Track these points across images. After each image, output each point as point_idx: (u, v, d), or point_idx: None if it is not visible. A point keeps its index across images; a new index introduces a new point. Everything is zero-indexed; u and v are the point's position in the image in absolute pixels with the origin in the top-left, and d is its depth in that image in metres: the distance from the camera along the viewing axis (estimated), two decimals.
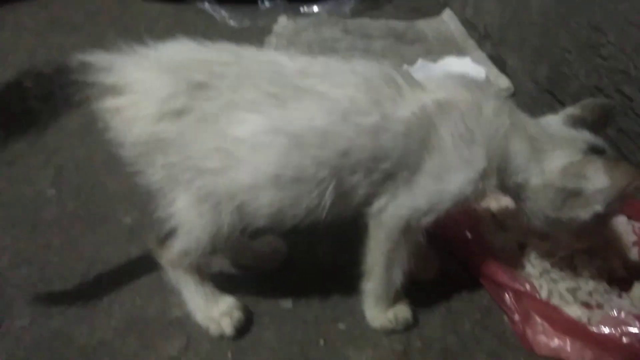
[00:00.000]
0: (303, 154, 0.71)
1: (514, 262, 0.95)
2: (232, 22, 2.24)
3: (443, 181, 0.74)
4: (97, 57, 0.72)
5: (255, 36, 2.11)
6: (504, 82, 1.66)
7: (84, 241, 1.04)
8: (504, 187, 0.80)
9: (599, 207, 0.75)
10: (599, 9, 1.24)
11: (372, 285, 0.84)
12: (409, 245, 0.79)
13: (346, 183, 0.74)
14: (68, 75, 0.71)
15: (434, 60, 1.71)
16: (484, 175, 0.74)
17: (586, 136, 0.80)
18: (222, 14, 2.30)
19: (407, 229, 0.77)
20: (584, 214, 0.76)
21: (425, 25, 2.20)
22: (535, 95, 1.55)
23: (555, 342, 0.82)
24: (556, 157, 0.77)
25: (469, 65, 1.44)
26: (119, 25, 2.20)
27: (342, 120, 0.71)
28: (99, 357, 0.83)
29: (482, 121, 0.75)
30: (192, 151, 0.71)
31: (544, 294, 0.89)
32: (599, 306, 0.88)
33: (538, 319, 0.84)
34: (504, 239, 0.98)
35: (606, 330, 0.77)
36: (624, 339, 0.76)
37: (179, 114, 0.70)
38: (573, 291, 0.89)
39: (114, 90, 0.71)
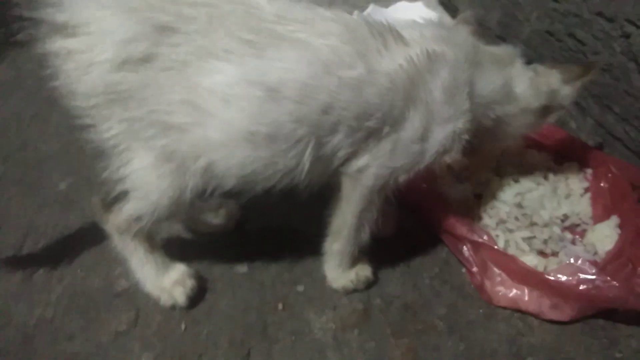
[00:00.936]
0: (280, 109, 0.64)
1: (471, 213, 0.94)
2: None
3: (428, 138, 0.71)
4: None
5: None
6: None
7: (17, 208, 0.95)
8: (479, 130, 0.79)
9: (567, 105, 0.86)
10: None
11: (338, 246, 0.80)
12: (380, 204, 0.76)
13: (326, 143, 0.68)
14: (9, 9, 0.62)
15: (386, 5, 1.64)
16: (466, 126, 0.73)
17: (513, 49, 0.86)
18: None
19: (384, 188, 0.74)
20: (554, 117, 0.86)
21: None
22: (487, 41, 1.52)
23: (513, 292, 0.82)
24: (518, 79, 0.81)
25: (421, 11, 1.38)
26: None
27: (323, 73, 0.64)
28: (40, 336, 0.77)
29: (465, 70, 0.72)
30: (156, 104, 0.63)
31: (500, 244, 0.88)
32: (554, 254, 0.89)
33: (496, 270, 0.84)
34: (461, 191, 0.97)
35: (563, 278, 0.78)
36: (581, 287, 0.76)
37: (141, 61, 0.61)
38: (529, 240, 0.90)
39: (64, 30, 0.62)
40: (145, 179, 0.67)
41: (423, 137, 0.71)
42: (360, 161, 0.71)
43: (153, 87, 0.62)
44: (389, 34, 0.69)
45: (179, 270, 0.80)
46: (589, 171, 1.02)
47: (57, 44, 0.62)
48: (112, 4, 0.62)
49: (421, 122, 0.70)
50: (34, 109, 1.22)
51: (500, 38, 1.46)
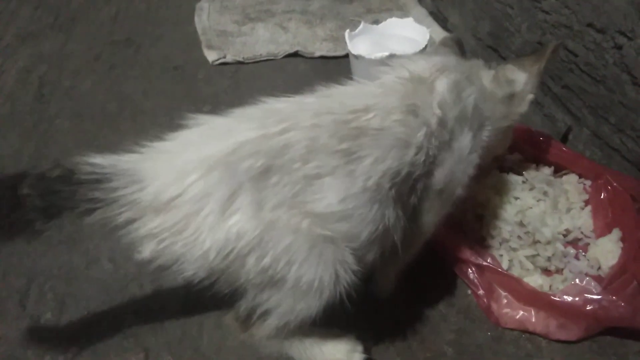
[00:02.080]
0: (385, 199, 0.64)
1: (473, 233, 0.94)
2: None
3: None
4: (112, 161, 0.59)
5: (185, 2, 1.98)
6: None
7: (20, 252, 0.95)
8: None
9: (532, 95, 0.88)
10: None
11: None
12: None
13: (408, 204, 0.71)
14: (76, 185, 0.56)
15: (376, 22, 1.65)
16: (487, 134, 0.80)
17: (479, 61, 0.89)
18: None
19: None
20: (524, 107, 0.88)
21: None
22: (478, 52, 1.53)
23: (520, 313, 0.82)
24: (485, 80, 0.85)
25: (412, 26, 1.39)
26: (31, 2, 1.99)
27: (402, 148, 0.65)
28: None
29: (474, 87, 0.77)
30: (281, 243, 0.59)
31: (505, 264, 0.89)
32: (559, 271, 0.90)
33: (502, 292, 0.84)
34: (462, 210, 0.97)
35: (569, 298, 0.78)
36: (587, 307, 0.77)
37: (249, 211, 0.57)
38: (532, 258, 0.90)
39: (154, 207, 0.57)
40: (283, 304, 0.64)
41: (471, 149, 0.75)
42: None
43: (270, 230, 0.58)
44: (418, 82, 0.71)
45: (343, 337, 0.77)
46: (588, 183, 1.03)
47: (150, 225, 0.58)
48: (196, 167, 0.57)
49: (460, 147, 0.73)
50: (32, 145, 1.22)
51: (491, 49, 1.47)
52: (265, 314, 0.66)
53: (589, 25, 1.08)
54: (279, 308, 0.64)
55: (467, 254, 0.86)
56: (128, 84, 1.46)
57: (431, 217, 0.76)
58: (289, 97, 0.68)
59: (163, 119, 1.31)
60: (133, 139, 1.21)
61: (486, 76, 0.86)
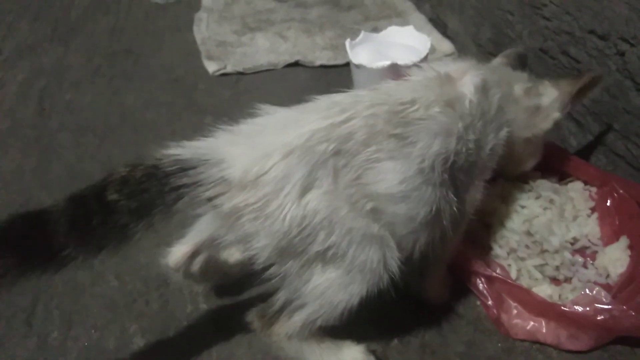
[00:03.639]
0: (435, 182, 0.69)
1: (482, 243, 0.94)
2: None
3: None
4: (192, 148, 0.62)
5: (184, 12, 1.98)
6: (446, 46, 1.63)
7: None
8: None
9: (557, 114, 0.93)
10: None
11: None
12: None
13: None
14: (164, 179, 0.58)
15: (376, 29, 1.65)
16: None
17: (525, 74, 0.95)
18: None
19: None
20: (546, 124, 0.93)
21: None
22: (479, 58, 1.53)
23: (530, 324, 0.82)
24: (519, 86, 0.90)
25: (412, 35, 1.39)
26: (29, 14, 1.99)
27: (446, 137, 0.70)
28: None
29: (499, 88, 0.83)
30: (344, 225, 0.64)
31: (513, 274, 0.88)
32: (567, 280, 0.90)
33: (512, 303, 0.84)
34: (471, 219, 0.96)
35: (579, 309, 0.78)
36: (598, 317, 0.76)
37: (323, 191, 0.62)
38: (541, 267, 0.90)
39: (240, 185, 0.61)
40: (328, 290, 0.67)
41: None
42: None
43: (338, 209, 0.63)
44: (449, 81, 0.76)
45: (354, 349, 0.78)
46: (594, 190, 1.03)
47: (236, 200, 0.61)
48: (277, 149, 0.61)
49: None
50: (34, 160, 1.21)
51: (492, 55, 1.46)
52: (300, 305, 0.69)
53: (591, 32, 1.08)
54: (321, 295, 0.67)
55: (476, 265, 0.86)
56: (129, 96, 1.46)
57: (469, 202, 0.81)
58: (345, 91, 0.72)
59: (165, 131, 1.31)
60: (135, 152, 1.21)
61: (521, 86, 0.90)
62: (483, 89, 0.77)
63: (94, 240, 0.57)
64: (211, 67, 1.57)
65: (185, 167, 0.59)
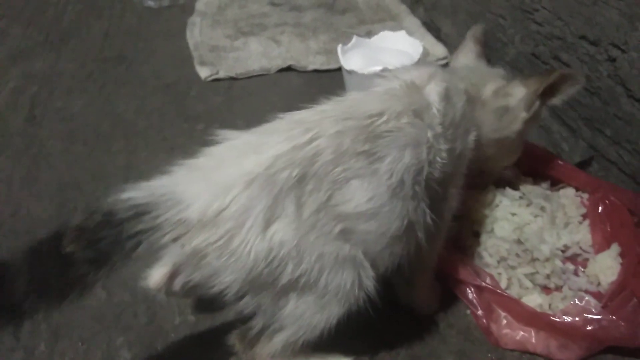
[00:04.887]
0: (407, 194, 0.68)
1: (471, 251, 0.93)
2: (150, 3, 2.08)
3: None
4: (147, 189, 0.59)
5: (177, 16, 1.97)
6: (440, 50, 1.63)
7: None
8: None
9: (524, 114, 0.88)
10: None
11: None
12: None
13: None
14: (120, 226, 0.56)
15: (370, 33, 1.64)
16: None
17: (501, 70, 0.94)
18: None
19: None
20: (516, 125, 0.89)
21: None
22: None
23: (520, 334, 0.81)
24: (488, 88, 0.88)
25: (405, 39, 1.38)
26: (22, 20, 1.99)
27: (416, 147, 0.68)
28: None
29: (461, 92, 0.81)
30: (316, 250, 0.62)
31: (503, 283, 0.88)
32: (558, 288, 0.89)
33: (501, 312, 0.83)
34: (459, 226, 0.96)
35: (568, 319, 0.77)
36: (587, 327, 0.76)
37: (289, 219, 0.60)
38: (531, 276, 0.89)
39: (200, 224, 0.58)
40: (305, 314, 0.66)
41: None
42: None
43: (306, 237, 0.61)
44: (414, 90, 0.74)
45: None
46: (585, 196, 1.02)
47: (196, 241, 0.59)
48: (237, 181, 0.59)
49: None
50: (23, 169, 1.21)
51: (483, 56, 1.46)
52: (279, 328, 0.68)
53: (582, 37, 1.07)
54: (299, 319, 0.66)
55: (465, 274, 0.85)
56: (120, 103, 1.45)
57: (446, 212, 0.80)
58: (309, 107, 0.70)
59: (156, 139, 1.30)
60: (126, 160, 1.21)
61: (491, 86, 0.88)
62: (447, 97, 0.75)
63: (54, 293, 0.57)
64: (203, 72, 1.56)
65: (140, 212, 0.57)
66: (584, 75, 0.88)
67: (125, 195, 0.58)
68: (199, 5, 2.03)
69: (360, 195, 0.64)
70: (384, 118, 0.67)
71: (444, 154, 0.72)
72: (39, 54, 1.73)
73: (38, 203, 1.10)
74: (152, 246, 0.58)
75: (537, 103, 0.88)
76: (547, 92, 0.87)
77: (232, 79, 1.56)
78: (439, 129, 0.72)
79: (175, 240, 0.59)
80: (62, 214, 1.06)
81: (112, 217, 0.56)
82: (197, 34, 1.81)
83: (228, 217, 0.58)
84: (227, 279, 0.61)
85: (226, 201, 0.58)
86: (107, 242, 0.56)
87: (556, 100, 0.89)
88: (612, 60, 1.00)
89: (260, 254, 0.59)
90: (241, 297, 0.64)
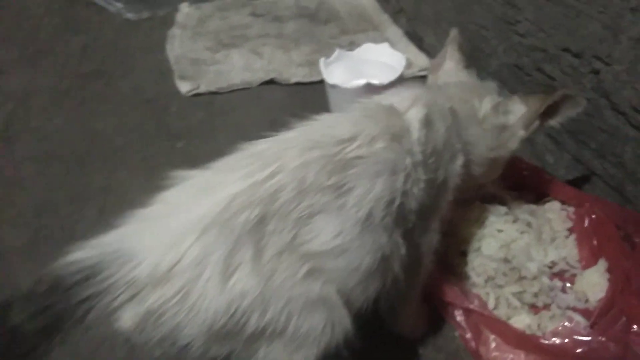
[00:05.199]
0: (378, 226, 0.63)
1: (458, 271, 0.92)
2: (129, 15, 2.05)
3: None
4: (96, 248, 0.54)
5: (157, 29, 1.94)
6: (423, 60, 1.62)
7: None
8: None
9: (522, 132, 0.85)
10: None
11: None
12: None
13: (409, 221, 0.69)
14: (68, 291, 0.52)
15: (352, 45, 1.63)
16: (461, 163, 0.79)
17: (492, 84, 0.90)
18: (116, 5, 2.10)
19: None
20: (513, 143, 0.86)
21: (336, 0, 2.11)
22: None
23: (509, 357, 0.80)
24: (485, 104, 0.83)
25: (388, 52, 1.37)
26: None
27: (391, 174, 0.64)
28: None
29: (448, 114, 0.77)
30: (283, 295, 0.57)
31: (491, 303, 0.86)
32: (546, 307, 0.88)
33: (490, 335, 0.82)
34: (446, 245, 0.94)
35: (557, 341, 0.76)
36: (577, 349, 0.74)
37: (251, 262, 0.55)
38: (519, 295, 0.88)
39: (153, 281, 0.54)
40: (279, 357, 0.62)
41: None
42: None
43: (270, 283, 0.56)
44: (394, 114, 0.70)
45: None
46: (571, 209, 1.01)
47: (150, 301, 0.54)
48: (190, 230, 0.54)
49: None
50: None
51: (469, 68, 1.45)
52: None
53: (565, 49, 1.06)
54: None
55: (453, 296, 0.83)
56: (98, 121, 1.42)
57: (425, 245, 0.76)
58: (271, 135, 0.65)
59: (135, 158, 1.27)
60: (104, 181, 1.17)
61: (489, 101, 0.84)
62: (428, 124, 0.71)
63: None
64: (184, 87, 1.54)
65: (89, 275, 0.52)
66: (585, 99, 0.84)
67: (72, 257, 0.54)
68: (179, 17, 2.01)
69: (326, 231, 0.59)
70: (356, 143, 0.62)
71: (422, 185, 0.68)
72: (14, 71, 1.69)
73: (12, 230, 1.06)
74: (106, 309, 0.53)
75: (537, 122, 0.85)
76: (546, 112, 0.84)
77: (213, 93, 1.53)
78: (419, 157, 0.68)
79: (129, 300, 0.54)
80: (38, 241, 1.03)
81: (60, 283, 0.52)
82: (177, 46, 1.78)
83: (182, 270, 0.54)
84: (189, 335, 0.56)
85: (179, 253, 0.54)
86: (57, 310, 0.51)
87: (554, 121, 0.86)
88: (596, 72, 0.99)
89: (220, 308, 0.54)
90: (209, 348, 0.59)
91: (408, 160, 0.66)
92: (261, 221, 0.56)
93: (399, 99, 0.74)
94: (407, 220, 0.68)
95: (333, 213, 0.59)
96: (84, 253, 0.54)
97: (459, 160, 0.77)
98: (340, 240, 0.59)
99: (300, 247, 0.58)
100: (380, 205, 0.62)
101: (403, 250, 0.67)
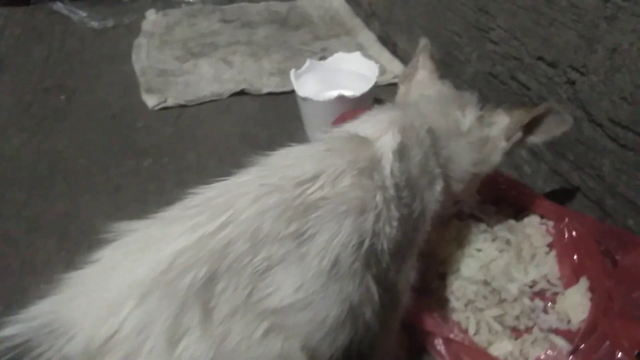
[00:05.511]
0: (351, 275, 0.57)
1: (438, 295, 0.88)
2: (93, 23, 1.97)
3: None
4: (27, 322, 0.49)
5: (123, 38, 1.87)
6: (396, 67, 1.58)
7: None
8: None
9: (504, 144, 0.81)
10: None
11: None
12: None
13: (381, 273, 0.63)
14: None
15: (324, 51, 1.59)
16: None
17: (470, 95, 0.84)
18: (80, 14, 2.03)
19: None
20: (496, 157, 0.82)
21: (307, 4, 2.07)
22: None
23: None
24: (468, 116, 0.79)
25: (360, 61, 1.33)
26: None
27: (359, 216, 0.58)
28: None
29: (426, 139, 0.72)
30: (239, 354, 0.52)
31: (471, 328, 0.83)
32: (528, 330, 0.85)
33: None
34: (425, 268, 0.91)
35: None
36: None
37: (200, 327, 0.50)
38: (500, 318, 0.85)
39: (91, 353, 0.48)
40: None
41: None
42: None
43: (224, 348, 0.51)
44: (365, 145, 0.65)
45: None
46: (551, 223, 0.99)
47: None
48: (129, 295, 0.49)
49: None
50: None
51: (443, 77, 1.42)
52: None
53: (540, 58, 1.04)
54: None
55: (432, 325, 0.80)
56: (61, 139, 1.35)
57: (402, 283, 0.71)
58: (223, 180, 0.60)
59: (99, 179, 1.21)
60: (65, 206, 1.11)
61: (472, 113, 0.80)
62: (402, 153, 0.66)
63: None
64: (151, 101, 1.47)
65: (21, 353, 0.47)
66: (571, 117, 0.80)
67: (3, 333, 0.48)
68: (146, 25, 1.94)
69: (286, 285, 0.53)
70: (319, 183, 0.57)
71: (395, 223, 0.63)
72: None
73: None
74: None
75: (519, 134, 0.81)
76: (530, 127, 0.81)
77: (181, 106, 1.48)
78: (391, 192, 0.62)
79: None
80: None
81: None
82: (143, 57, 1.72)
83: (121, 341, 0.48)
84: None
85: (117, 322, 0.48)
86: None
87: (537, 139, 0.82)
88: (572, 83, 0.97)
89: None
90: None
91: (379, 197, 0.60)
92: (210, 280, 0.50)
93: (370, 124, 0.69)
94: (379, 261, 0.63)
95: (293, 264, 0.54)
96: (15, 329, 0.48)
97: (438, 186, 0.73)
98: (303, 294, 0.54)
99: (257, 304, 0.53)
100: (348, 250, 0.57)
101: (376, 296, 0.62)
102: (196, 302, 0.49)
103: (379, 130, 0.67)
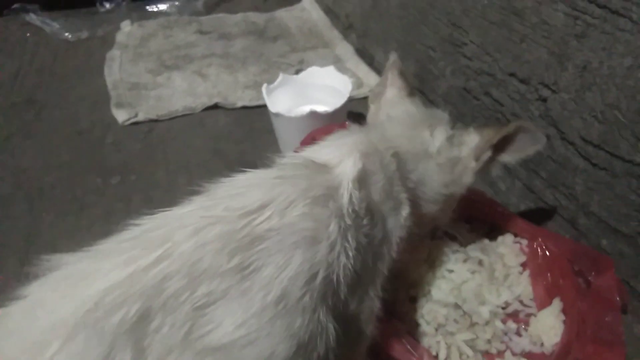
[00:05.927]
0: (300, 309, 0.54)
1: (407, 319, 0.86)
2: (66, 35, 1.94)
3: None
4: None
5: (97, 50, 1.84)
6: (373, 79, 1.57)
7: None
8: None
9: (474, 164, 0.79)
10: (457, 4, 1.16)
11: None
12: None
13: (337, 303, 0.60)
14: None
15: (302, 64, 1.57)
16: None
17: (442, 113, 0.83)
18: (54, 25, 1.99)
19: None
20: (467, 177, 0.80)
21: (286, 15, 2.05)
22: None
23: None
24: (438, 136, 0.77)
25: (333, 75, 1.31)
26: None
27: (310, 246, 0.55)
28: None
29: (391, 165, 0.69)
30: None
31: (442, 353, 0.81)
32: (500, 353, 0.83)
33: None
34: (393, 291, 0.88)
35: None
36: None
37: None
38: (472, 342, 0.82)
39: None
40: None
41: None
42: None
43: None
44: (322, 171, 0.62)
45: None
46: (525, 242, 0.97)
47: None
48: (53, 335, 0.45)
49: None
50: None
51: (418, 91, 1.40)
52: None
53: (512, 74, 1.02)
54: None
55: (401, 352, 0.77)
56: (26, 158, 1.31)
57: (365, 314, 0.67)
58: (164, 211, 0.56)
59: (64, 198, 1.17)
60: (28, 227, 1.07)
61: (441, 133, 0.77)
62: (362, 180, 0.63)
63: None
64: (121, 116, 1.44)
65: None
66: (544, 136, 0.77)
67: None
68: (120, 37, 1.90)
69: (228, 321, 0.50)
70: (267, 213, 0.54)
71: (352, 253, 0.59)
72: None
73: None
74: None
75: (489, 153, 0.78)
76: (501, 145, 0.78)
77: (152, 121, 1.44)
78: (348, 220, 0.59)
79: None
80: None
81: None
82: (116, 70, 1.68)
83: None
84: None
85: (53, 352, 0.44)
86: None
87: (510, 158, 0.79)
88: (543, 100, 0.95)
89: None
90: None
91: (333, 227, 0.57)
92: (143, 317, 0.47)
93: (330, 150, 0.66)
94: (337, 293, 0.59)
95: (235, 299, 0.50)
96: None
97: (404, 211, 0.70)
98: (245, 330, 0.50)
99: (197, 342, 0.49)
100: (297, 283, 0.53)
101: (331, 330, 0.58)
102: (127, 342, 0.46)
103: (339, 155, 0.64)
